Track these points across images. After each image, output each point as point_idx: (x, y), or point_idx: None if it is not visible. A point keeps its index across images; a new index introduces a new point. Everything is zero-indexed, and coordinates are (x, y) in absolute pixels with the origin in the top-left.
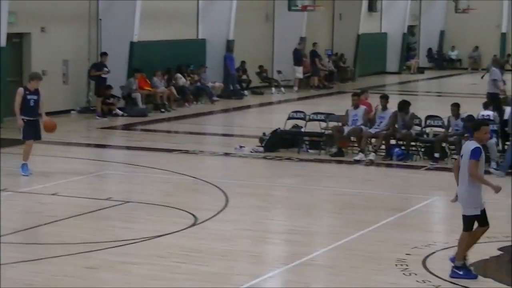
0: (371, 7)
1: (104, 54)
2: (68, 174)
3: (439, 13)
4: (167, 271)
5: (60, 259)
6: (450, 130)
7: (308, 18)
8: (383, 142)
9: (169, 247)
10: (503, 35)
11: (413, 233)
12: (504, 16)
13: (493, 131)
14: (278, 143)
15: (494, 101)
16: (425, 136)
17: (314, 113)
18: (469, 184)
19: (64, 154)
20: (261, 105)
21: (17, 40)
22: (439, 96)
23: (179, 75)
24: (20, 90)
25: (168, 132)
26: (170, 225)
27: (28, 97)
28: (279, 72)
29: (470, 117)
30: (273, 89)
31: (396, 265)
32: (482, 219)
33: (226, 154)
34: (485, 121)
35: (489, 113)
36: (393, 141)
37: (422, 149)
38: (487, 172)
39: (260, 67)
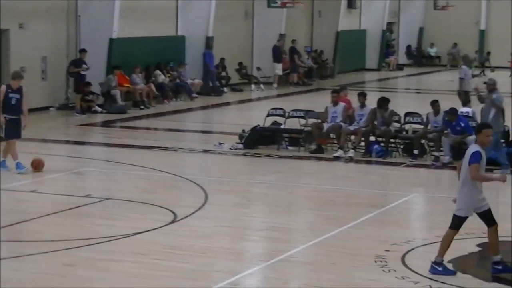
0: (350, 4)
1: (83, 50)
2: (47, 171)
3: (418, 10)
4: (146, 268)
5: (39, 256)
6: (429, 127)
7: (287, 15)
8: (363, 139)
9: (148, 244)
10: (482, 32)
11: (392, 229)
12: (483, 13)
13: (473, 127)
14: (257, 140)
15: (464, 98)
16: (404, 133)
17: (294, 110)
18: (468, 187)
19: (42, 151)
20: (241, 102)
21: None
22: (418, 93)
23: (158, 72)
24: (3, 87)
25: (148, 129)
26: (149, 222)
27: (10, 95)
28: (258, 69)
29: (453, 110)
30: (253, 86)
31: (375, 261)
32: (489, 219)
33: (206, 151)
34: (488, 124)
35: (468, 109)
36: (372, 138)
37: (401, 146)
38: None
39: (240, 64)
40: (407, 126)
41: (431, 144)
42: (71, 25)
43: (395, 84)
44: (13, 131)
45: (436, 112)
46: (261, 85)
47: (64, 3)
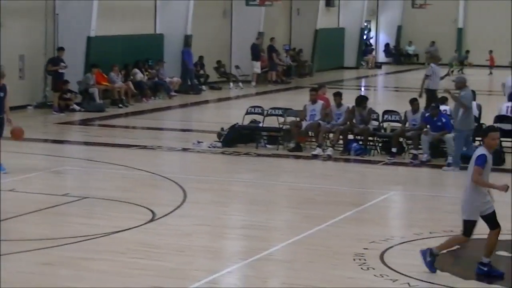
0: (329, 2)
1: (61, 49)
2: (25, 170)
3: (396, 8)
4: (125, 267)
5: (17, 256)
6: (407, 125)
7: (265, 13)
8: (341, 137)
9: (127, 242)
10: (460, 30)
11: (371, 227)
12: (460, 11)
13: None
14: (236, 138)
15: (428, 96)
16: (382, 131)
17: (272, 108)
18: (471, 190)
19: (21, 149)
20: (219, 100)
21: None
22: (396, 91)
23: (136, 70)
24: None
25: (126, 127)
26: (128, 220)
27: None
28: (237, 67)
29: (437, 105)
30: (231, 84)
31: (354, 259)
32: (492, 222)
33: (184, 149)
34: (493, 127)
35: (446, 107)
36: (351, 136)
37: (380, 144)
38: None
39: (218, 62)
40: (385, 124)
41: (410, 142)
42: (49, 24)
43: (373, 82)
44: None
45: (415, 110)
46: (240, 84)
47: (42, 1)
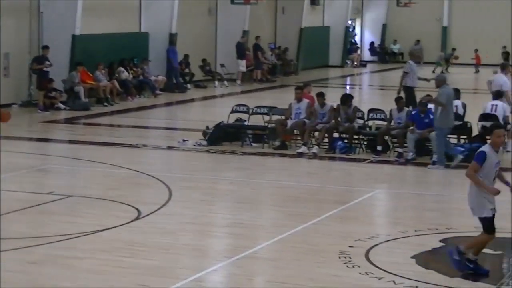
0: (314, 1)
1: (45, 47)
2: (10, 168)
3: (381, 7)
4: (110, 265)
5: (2, 254)
6: (392, 123)
7: (251, 12)
8: (326, 135)
9: (112, 241)
10: (444, 29)
11: (356, 225)
12: (445, 10)
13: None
14: (221, 136)
15: (406, 94)
16: (367, 129)
17: (257, 107)
18: (475, 187)
19: (5, 148)
20: (204, 98)
21: None
22: (381, 89)
23: (121, 68)
24: None
25: (111, 126)
26: (113, 219)
27: None
28: (222, 65)
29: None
30: (216, 82)
31: (339, 257)
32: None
33: (169, 147)
34: (498, 124)
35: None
36: (336, 134)
37: (365, 142)
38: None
39: (203, 60)
40: (370, 123)
41: (395, 140)
42: (34, 22)
43: (358, 80)
44: None
45: (400, 108)
46: (225, 82)
47: (27, 0)
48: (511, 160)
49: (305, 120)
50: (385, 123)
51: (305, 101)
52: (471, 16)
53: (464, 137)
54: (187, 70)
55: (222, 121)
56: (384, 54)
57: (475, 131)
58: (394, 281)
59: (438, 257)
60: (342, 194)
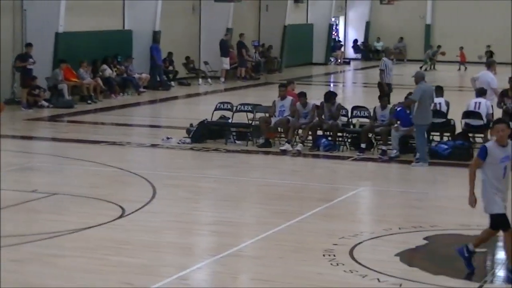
0: None
1: (29, 45)
2: None
3: (364, 4)
4: (95, 263)
5: None
6: (376, 121)
7: (234, 9)
8: (310, 133)
9: (96, 239)
10: (428, 27)
11: (340, 223)
12: (428, 8)
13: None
14: (205, 134)
15: (381, 90)
16: (351, 126)
17: (241, 104)
18: (482, 184)
19: None
20: (188, 96)
21: None
22: (365, 87)
23: (105, 66)
24: None
25: (95, 123)
26: (97, 217)
27: None
28: (206, 63)
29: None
30: (200, 80)
31: (323, 255)
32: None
33: (153, 145)
34: (499, 120)
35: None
36: (320, 132)
37: (349, 140)
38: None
39: (187, 58)
40: (354, 120)
41: (378, 138)
42: (17, 19)
43: (342, 78)
44: None
45: (383, 106)
46: (209, 79)
47: None
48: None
49: (289, 117)
50: (368, 120)
51: (289, 98)
52: (455, 14)
53: (448, 134)
54: (170, 68)
55: (206, 119)
56: (367, 52)
57: (459, 129)
58: (378, 279)
59: (422, 254)
60: (326, 192)
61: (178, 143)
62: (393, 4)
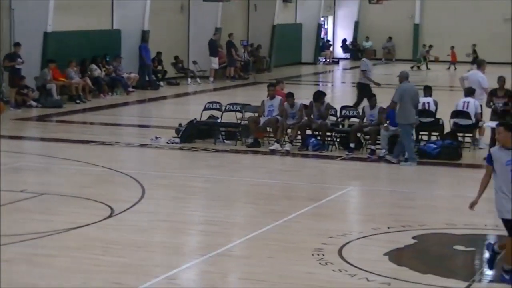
0: None
1: (17, 44)
2: None
3: (353, 4)
4: (84, 263)
5: None
6: (365, 121)
7: (223, 9)
8: (299, 132)
9: (86, 239)
10: (416, 26)
11: (329, 222)
12: (417, 7)
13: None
14: (194, 134)
15: (362, 91)
16: (340, 126)
17: (230, 104)
18: (495, 188)
19: None
20: (177, 96)
21: None
22: (354, 86)
23: (94, 66)
24: None
25: (84, 123)
26: (86, 216)
27: None
28: (194, 62)
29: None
30: (189, 79)
31: (312, 254)
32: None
33: (142, 145)
34: (501, 123)
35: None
36: (309, 132)
37: (338, 139)
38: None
39: (176, 57)
40: (343, 120)
41: (367, 137)
42: (5, 19)
43: (331, 77)
44: None
45: (372, 105)
46: (198, 79)
47: None
48: (483, 158)
49: (278, 117)
50: (357, 120)
51: (278, 98)
52: (443, 13)
53: (436, 134)
54: (159, 68)
55: (195, 119)
56: (356, 51)
57: (448, 128)
58: (367, 278)
59: (411, 254)
60: (315, 191)
61: (167, 143)
62: (381, 3)
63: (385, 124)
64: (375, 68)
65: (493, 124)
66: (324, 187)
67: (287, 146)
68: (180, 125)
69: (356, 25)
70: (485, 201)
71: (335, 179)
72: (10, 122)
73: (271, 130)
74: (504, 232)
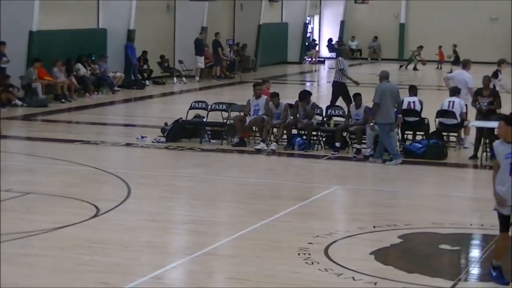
0: None
1: (2, 43)
2: None
3: (339, 3)
4: (69, 263)
5: None
6: (350, 120)
7: (209, 8)
8: (285, 132)
9: (71, 238)
10: (402, 26)
11: (315, 222)
12: (403, 7)
13: None
14: (180, 133)
15: (340, 90)
16: (326, 125)
17: (216, 103)
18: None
19: None
20: (163, 95)
21: None
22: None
23: (79, 65)
24: None
25: (69, 122)
26: (72, 216)
27: None
28: (180, 62)
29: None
30: (175, 79)
31: (298, 254)
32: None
33: (128, 144)
34: (501, 117)
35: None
36: (294, 131)
37: (323, 139)
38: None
39: (162, 57)
40: (329, 119)
41: (353, 136)
42: None
43: (316, 77)
44: None
45: (358, 105)
46: (183, 78)
47: None
48: (469, 157)
49: (264, 116)
50: (343, 119)
51: (264, 97)
52: (429, 13)
53: (422, 133)
54: (145, 67)
55: (181, 118)
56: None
57: (434, 128)
58: (353, 277)
59: (397, 253)
60: (301, 191)
61: (153, 142)
62: (367, 3)
63: (371, 124)
64: (361, 68)
65: (478, 123)
66: (310, 187)
67: (273, 146)
68: (166, 124)
69: (342, 24)
70: (470, 200)
71: (321, 179)
72: None
73: (257, 130)
74: (489, 231)
